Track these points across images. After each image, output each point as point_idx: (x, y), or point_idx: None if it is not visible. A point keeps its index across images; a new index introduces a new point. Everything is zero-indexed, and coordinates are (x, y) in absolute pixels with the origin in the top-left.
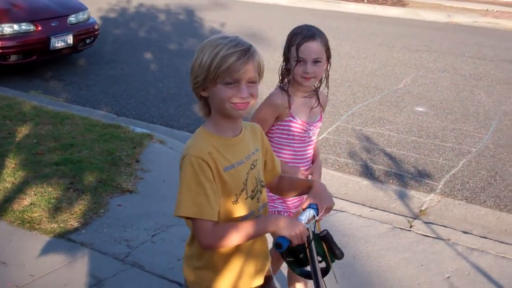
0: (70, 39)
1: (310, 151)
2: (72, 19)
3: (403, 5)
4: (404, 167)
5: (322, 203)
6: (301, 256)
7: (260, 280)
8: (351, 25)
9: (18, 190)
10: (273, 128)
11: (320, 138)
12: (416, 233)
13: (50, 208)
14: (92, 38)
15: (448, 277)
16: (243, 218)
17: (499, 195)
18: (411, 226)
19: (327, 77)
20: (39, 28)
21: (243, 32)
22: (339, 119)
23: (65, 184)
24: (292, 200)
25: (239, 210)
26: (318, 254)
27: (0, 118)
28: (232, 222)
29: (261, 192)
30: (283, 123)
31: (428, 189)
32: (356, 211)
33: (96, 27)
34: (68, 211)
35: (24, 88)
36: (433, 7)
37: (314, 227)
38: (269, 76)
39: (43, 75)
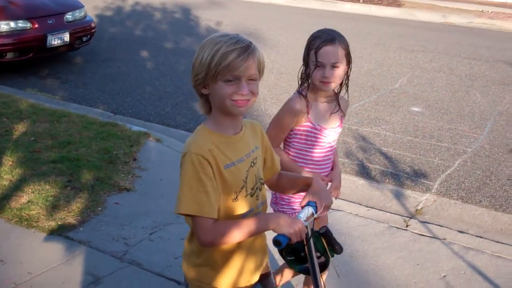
0: (66, 37)
1: (329, 157)
2: (68, 16)
3: (399, 5)
4: (400, 166)
5: (321, 201)
6: (302, 254)
7: (258, 276)
8: (347, 25)
9: (16, 187)
10: (291, 133)
11: None
12: (412, 232)
13: (48, 206)
14: (89, 36)
15: (444, 276)
16: (242, 216)
17: (495, 195)
18: (407, 226)
19: (347, 82)
20: (36, 25)
21: (239, 31)
22: None
23: (62, 182)
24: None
25: (239, 207)
26: (317, 251)
27: None
28: (232, 219)
29: (260, 190)
30: (301, 128)
31: (424, 188)
32: (353, 210)
33: (93, 25)
34: (65, 209)
35: (21, 85)
36: (428, 8)
37: (313, 225)
38: (264, 75)
39: (39, 73)
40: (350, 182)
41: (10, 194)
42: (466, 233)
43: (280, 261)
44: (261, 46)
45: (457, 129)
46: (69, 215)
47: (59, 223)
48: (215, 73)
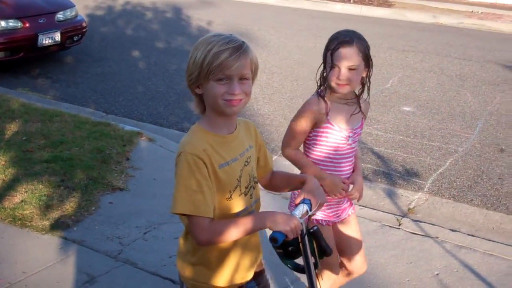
0: (57, 36)
1: (350, 159)
2: (59, 16)
3: (389, 5)
4: (392, 166)
5: (316, 198)
6: (290, 249)
7: (252, 273)
8: (338, 25)
9: (9, 187)
10: (311, 135)
11: None
12: (405, 231)
13: (41, 206)
14: (80, 35)
15: (437, 274)
16: (237, 214)
17: (486, 194)
18: (399, 224)
19: (368, 85)
20: (27, 25)
21: (230, 31)
22: None
23: (55, 182)
24: (331, 209)
25: (233, 206)
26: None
27: None
28: (227, 218)
29: (254, 188)
30: (320, 130)
31: (416, 187)
32: None
33: (84, 24)
34: (59, 208)
35: (12, 85)
36: (419, 8)
37: (308, 222)
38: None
39: (30, 72)
40: None
41: (3, 194)
42: (458, 231)
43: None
44: (253, 46)
45: (448, 128)
46: (63, 215)
47: (53, 222)
48: (207, 73)
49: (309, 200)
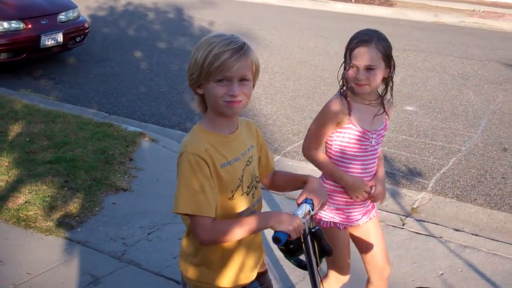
0: (60, 37)
1: (373, 161)
2: (62, 17)
3: (391, 5)
4: (395, 165)
5: (318, 198)
6: (291, 247)
7: (256, 273)
8: (339, 25)
9: (13, 188)
10: (333, 135)
11: None
12: (409, 230)
13: (45, 207)
14: (82, 36)
15: (441, 274)
16: (239, 214)
17: (489, 193)
18: (403, 224)
19: (391, 85)
20: (29, 26)
21: (232, 31)
22: None
23: (59, 183)
24: (351, 212)
25: (235, 206)
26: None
27: None
28: (229, 218)
29: (256, 188)
30: (343, 130)
31: (420, 187)
32: None
33: (86, 25)
34: (63, 209)
35: (14, 86)
36: (420, 7)
37: (310, 222)
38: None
39: (33, 74)
40: None
41: (7, 195)
42: (462, 231)
43: (278, 257)
44: (254, 46)
45: (451, 128)
46: (66, 216)
47: (57, 223)
48: (208, 73)
49: (311, 200)
